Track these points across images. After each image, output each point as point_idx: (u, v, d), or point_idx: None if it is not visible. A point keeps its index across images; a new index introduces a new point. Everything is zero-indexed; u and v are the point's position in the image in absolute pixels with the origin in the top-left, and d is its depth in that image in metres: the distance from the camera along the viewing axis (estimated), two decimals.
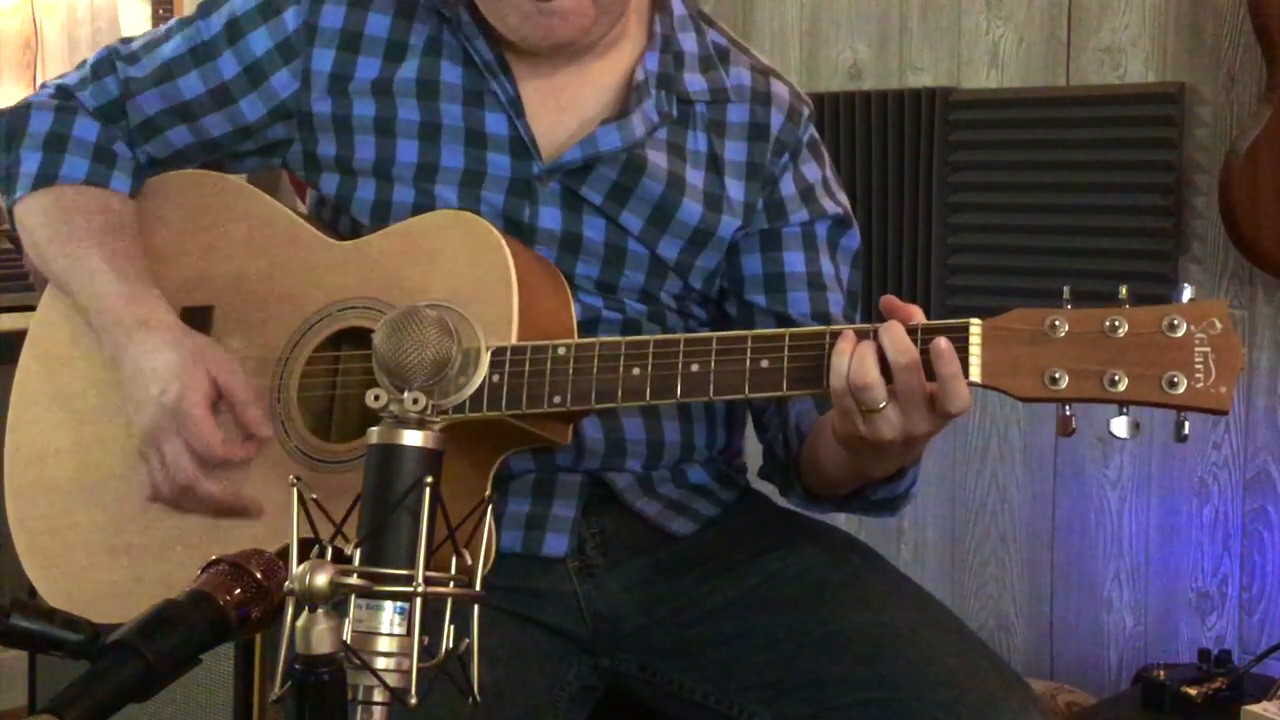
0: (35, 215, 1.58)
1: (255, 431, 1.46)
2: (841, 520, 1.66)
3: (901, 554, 2.87)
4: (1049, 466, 2.70)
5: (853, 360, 1.27)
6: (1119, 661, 2.64)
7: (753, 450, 1.67)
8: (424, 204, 1.53)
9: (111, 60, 1.62)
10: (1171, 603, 2.57)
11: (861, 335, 1.29)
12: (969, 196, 2.72)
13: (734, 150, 1.58)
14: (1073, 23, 2.61)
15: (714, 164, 1.58)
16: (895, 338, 1.27)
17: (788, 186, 1.60)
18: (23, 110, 1.62)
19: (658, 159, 1.55)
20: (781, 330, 1.33)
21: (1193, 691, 2.22)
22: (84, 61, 1.65)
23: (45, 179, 1.58)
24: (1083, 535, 2.67)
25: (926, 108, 2.74)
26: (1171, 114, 2.48)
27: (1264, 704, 2.10)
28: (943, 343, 1.25)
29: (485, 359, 1.30)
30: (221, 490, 1.46)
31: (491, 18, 1.50)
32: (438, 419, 1.05)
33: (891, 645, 1.44)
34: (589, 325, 1.52)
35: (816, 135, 1.65)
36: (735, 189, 1.58)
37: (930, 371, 1.26)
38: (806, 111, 1.63)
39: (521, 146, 1.53)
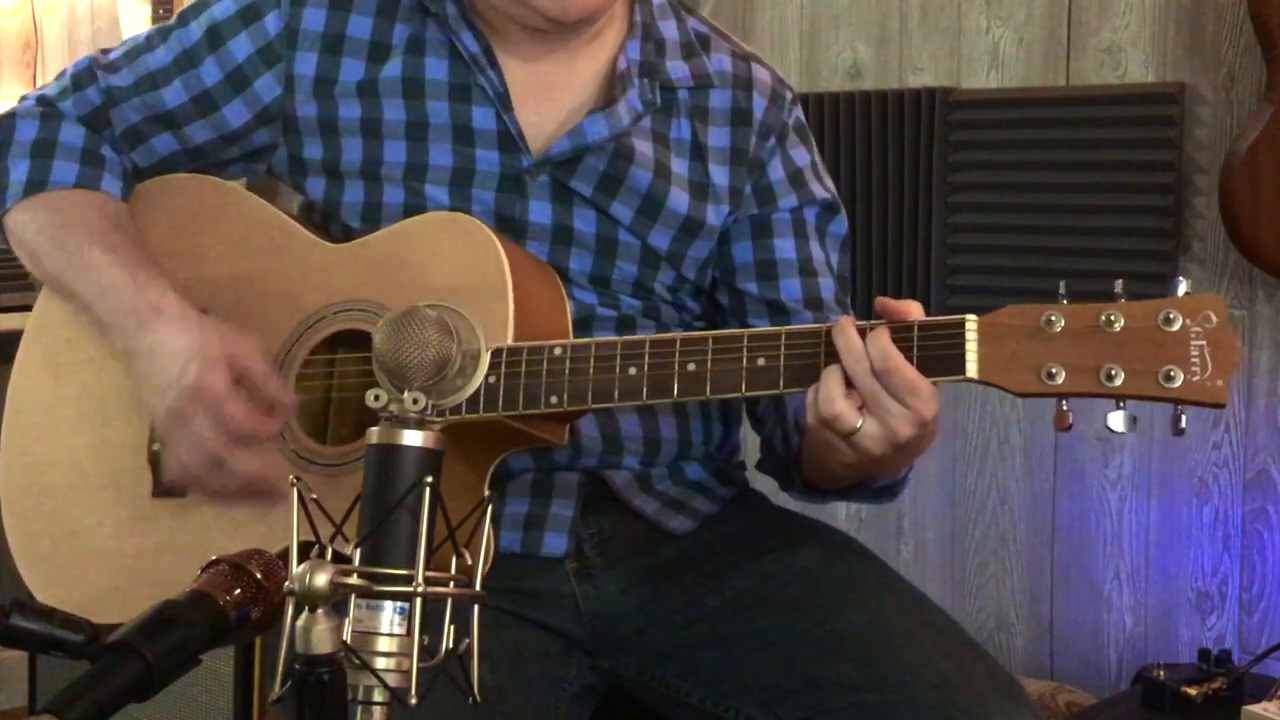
0: (29, 222, 1.57)
1: (278, 402, 1.44)
2: (841, 519, 1.66)
3: (901, 554, 2.87)
4: (1049, 466, 2.70)
5: (818, 393, 1.29)
6: (1119, 661, 2.64)
7: (748, 442, 1.67)
8: (414, 204, 1.53)
9: (92, 70, 1.62)
10: (1171, 603, 2.57)
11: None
12: (969, 196, 2.72)
13: (717, 136, 1.58)
14: (1073, 23, 2.61)
15: (698, 151, 1.58)
16: (847, 345, 1.28)
17: (776, 171, 1.60)
18: (7, 121, 1.61)
19: (644, 148, 1.55)
20: (778, 329, 1.33)
21: (1193, 691, 2.22)
22: (63, 72, 1.64)
23: (35, 185, 1.57)
24: (1083, 535, 2.67)
25: (926, 108, 2.74)
26: (1171, 114, 2.48)
27: (1264, 704, 2.10)
28: (883, 337, 1.27)
29: (485, 359, 1.30)
30: (258, 464, 1.43)
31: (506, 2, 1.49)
32: (438, 419, 1.05)
33: (885, 648, 1.44)
34: (583, 322, 1.52)
35: (803, 119, 1.65)
36: (720, 175, 1.58)
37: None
38: (789, 95, 1.63)
39: (510, 141, 1.53)
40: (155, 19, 3.86)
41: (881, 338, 1.28)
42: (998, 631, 2.78)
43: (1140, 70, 2.53)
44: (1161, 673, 2.27)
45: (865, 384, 1.28)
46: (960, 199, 2.73)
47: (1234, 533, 2.50)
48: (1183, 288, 1.24)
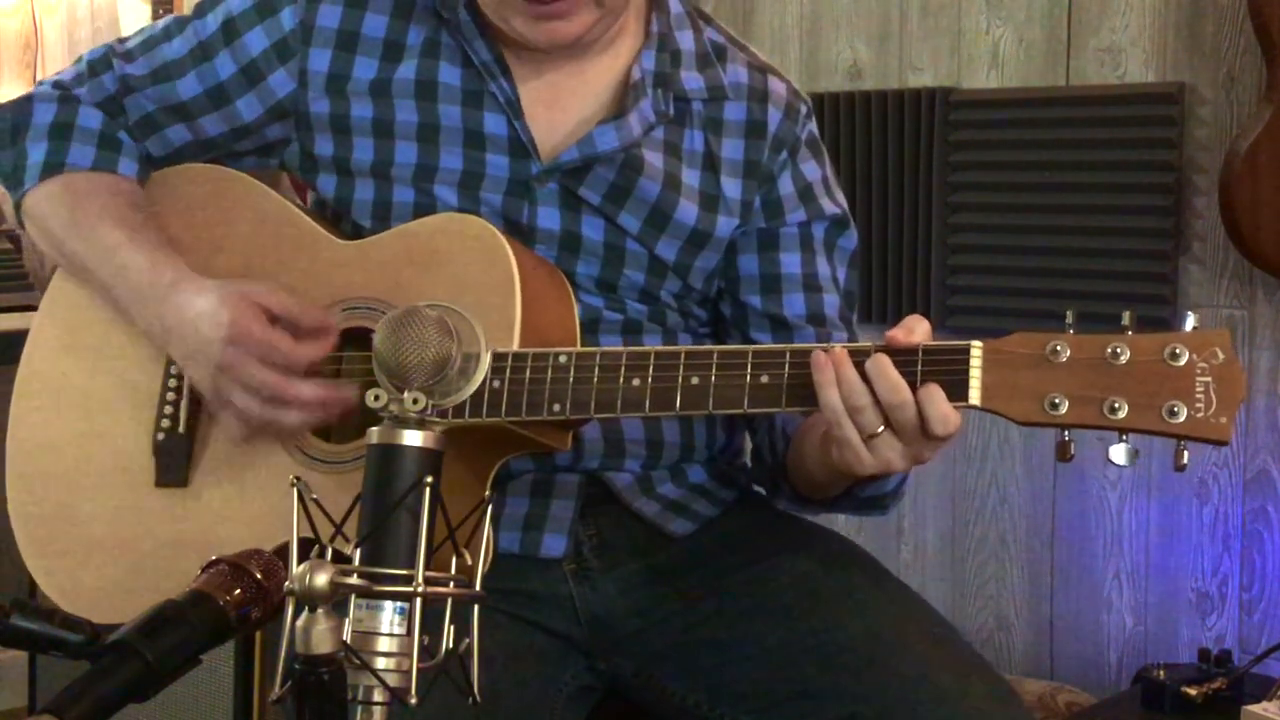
0: (45, 203, 1.57)
1: (322, 325, 1.44)
2: (841, 522, 1.65)
3: (901, 554, 2.88)
4: (1049, 466, 2.70)
5: (842, 386, 1.27)
6: (1119, 661, 2.64)
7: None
8: (424, 204, 1.53)
9: (108, 58, 1.62)
10: (1171, 603, 2.57)
11: (856, 357, 1.28)
12: (969, 196, 2.72)
13: (731, 148, 1.58)
14: (1073, 23, 2.61)
15: (710, 163, 1.58)
16: (887, 381, 1.26)
17: (786, 185, 1.60)
18: (25, 104, 1.62)
19: (654, 159, 1.54)
20: (782, 346, 1.32)
21: (1193, 691, 2.22)
22: (80, 58, 1.65)
23: (53, 167, 1.57)
24: (1083, 535, 2.67)
25: (926, 108, 2.74)
26: (1171, 114, 2.48)
27: (1264, 704, 2.10)
28: (889, 369, 1.26)
29: (486, 359, 1.29)
30: (314, 387, 1.42)
31: (494, 18, 1.50)
32: (438, 419, 1.05)
33: (883, 658, 1.43)
34: (590, 325, 1.53)
35: (816, 133, 1.64)
36: (732, 188, 1.58)
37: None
38: (804, 109, 1.63)
39: (520, 147, 1.53)
40: (155, 19, 3.86)
41: (889, 371, 1.26)
42: (998, 631, 2.78)
43: (1140, 70, 2.53)
44: (1161, 673, 2.27)
45: (899, 416, 1.26)
46: (960, 199, 2.73)
47: (1234, 533, 2.50)
48: (1190, 322, 1.23)
